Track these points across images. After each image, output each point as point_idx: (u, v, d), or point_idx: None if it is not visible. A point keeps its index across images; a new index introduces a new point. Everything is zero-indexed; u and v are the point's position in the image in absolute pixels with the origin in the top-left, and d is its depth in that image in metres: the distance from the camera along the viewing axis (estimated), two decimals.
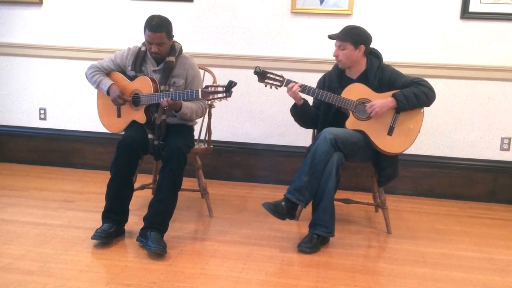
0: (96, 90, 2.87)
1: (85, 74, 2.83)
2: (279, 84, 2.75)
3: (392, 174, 2.82)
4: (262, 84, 2.77)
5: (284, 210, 2.58)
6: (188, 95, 2.58)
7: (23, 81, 4.10)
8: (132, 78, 2.76)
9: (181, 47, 2.82)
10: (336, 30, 2.78)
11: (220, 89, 2.49)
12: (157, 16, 2.66)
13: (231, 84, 2.45)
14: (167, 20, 2.68)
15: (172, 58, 2.73)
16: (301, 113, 2.84)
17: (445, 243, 2.78)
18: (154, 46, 2.64)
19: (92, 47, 3.92)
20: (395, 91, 2.69)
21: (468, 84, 3.59)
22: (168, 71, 2.72)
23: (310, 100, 2.85)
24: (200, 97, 2.55)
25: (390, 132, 2.71)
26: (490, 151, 3.64)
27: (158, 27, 2.60)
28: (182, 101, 2.64)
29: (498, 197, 3.65)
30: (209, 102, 2.91)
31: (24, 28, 4.01)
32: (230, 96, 2.49)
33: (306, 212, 2.81)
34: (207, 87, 2.53)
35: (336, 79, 2.84)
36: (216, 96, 2.50)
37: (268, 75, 2.75)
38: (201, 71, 3.15)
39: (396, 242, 2.77)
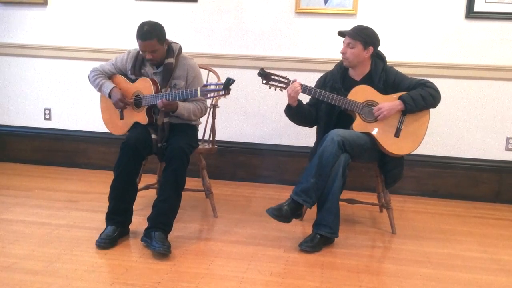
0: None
1: (88, 77, 2.85)
2: (284, 86, 2.72)
3: (398, 175, 2.81)
4: (266, 85, 2.76)
5: (288, 213, 2.56)
6: (187, 94, 2.58)
7: (28, 81, 4.11)
8: (133, 81, 2.76)
9: (179, 47, 2.79)
10: (341, 29, 2.77)
11: (218, 86, 2.49)
12: (146, 23, 2.62)
13: (229, 81, 2.45)
14: (157, 26, 2.63)
15: (171, 60, 2.72)
16: (295, 114, 2.82)
17: (450, 244, 2.77)
18: (148, 54, 2.63)
19: (97, 47, 3.93)
20: (402, 93, 2.69)
21: (473, 84, 3.57)
22: (168, 73, 2.71)
23: (305, 98, 2.82)
24: (199, 95, 2.55)
25: (397, 134, 2.70)
26: (495, 151, 3.62)
27: (147, 34, 2.57)
28: (178, 102, 2.64)
29: (503, 197, 3.63)
30: (213, 102, 2.92)
31: (29, 29, 4.02)
32: (228, 93, 2.49)
33: (311, 212, 2.81)
34: (205, 85, 2.53)
35: (339, 79, 2.83)
36: (215, 94, 2.50)
37: (272, 76, 2.72)
38: (206, 71, 3.16)
39: (401, 242, 2.76)
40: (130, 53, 2.80)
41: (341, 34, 2.76)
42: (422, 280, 2.28)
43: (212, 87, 2.50)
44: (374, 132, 2.69)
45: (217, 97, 2.52)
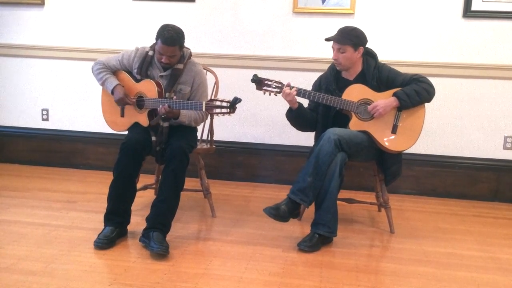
0: (99, 90, 2.86)
1: (91, 68, 2.80)
2: (278, 90, 2.71)
3: (397, 172, 2.82)
4: (261, 91, 2.74)
5: (286, 213, 2.56)
6: (192, 106, 2.57)
7: (26, 82, 4.10)
8: (137, 81, 2.75)
9: (190, 52, 2.78)
10: (327, 36, 2.76)
11: (224, 104, 2.47)
12: (171, 27, 2.59)
13: (236, 101, 2.44)
14: (181, 33, 2.62)
15: (180, 66, 2.70)
16: (297, 117, 2.82)
17: (449, 243, 2.77)
18: (165, 58, 2.61)
19: (94, 47, 3.93)
20: (396, 89, 2.69)
21: (471, 83, 3.58)
22: (174, 78, 2.70)
23: (305, 103, 2.83)
24: (203, 109, 2.52)
25: (394, 131, 2.70)
26: (493, 150, 3.63)
27: (172, 41, 2.55)
28: (180, 110, 2.63)
29: (502, 196, 3.64)
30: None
31: (26, 29, 4.01)
32: (233, 112, 2.47)
33: (309, 212, 2.81)
34: (212, 100, 2.51)
35: (333, 81, 2.82)
36: (220, 110, 2.48)
37: (265, 82, 2.71)
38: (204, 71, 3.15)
39: (399, 241, 2.76)
40: (138, 51, 2.75)
41: (328, 40, 2.76)
42: (420, 279, 2.28)
43: (219, 103, 2.48)
44: (385, 138, 2.69)
45: (221, 115, 2.50)
